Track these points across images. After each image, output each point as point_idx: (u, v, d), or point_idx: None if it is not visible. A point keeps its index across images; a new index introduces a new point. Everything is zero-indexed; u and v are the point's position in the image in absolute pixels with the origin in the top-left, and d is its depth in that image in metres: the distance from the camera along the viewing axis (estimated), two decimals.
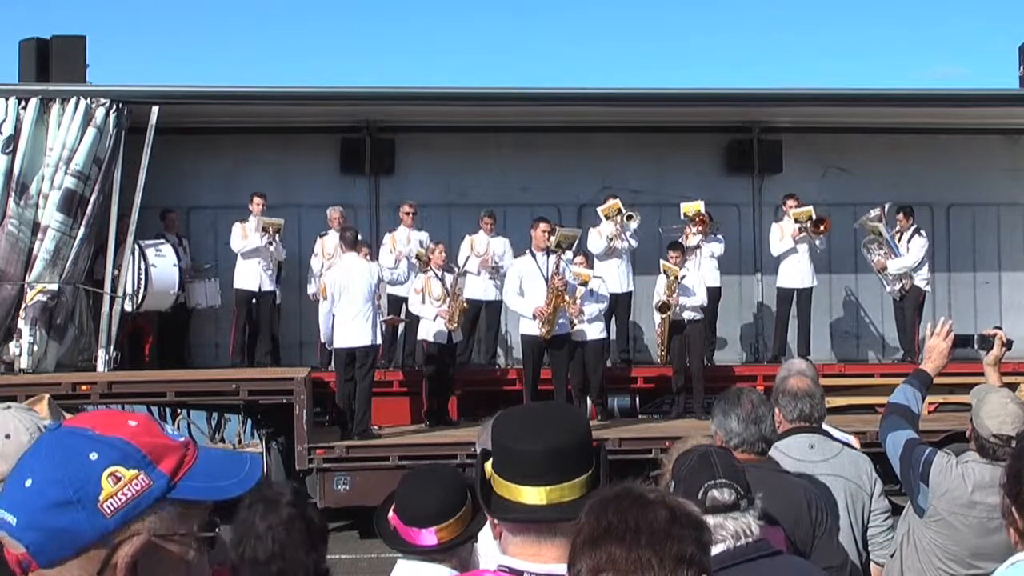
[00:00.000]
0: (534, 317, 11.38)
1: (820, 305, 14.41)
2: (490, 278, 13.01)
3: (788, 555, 3.10)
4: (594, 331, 12.10)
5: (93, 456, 1.48)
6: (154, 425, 1.56)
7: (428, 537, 3.11)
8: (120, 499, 1.48)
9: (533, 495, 2.18)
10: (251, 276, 13.00)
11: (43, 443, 1.51)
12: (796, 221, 13.33)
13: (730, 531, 2.88)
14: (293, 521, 3.25)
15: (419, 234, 13.11)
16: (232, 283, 13.32)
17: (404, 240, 12.99)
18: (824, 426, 4.68)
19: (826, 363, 13.67)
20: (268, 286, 13.13)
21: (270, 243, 12.96)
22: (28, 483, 1.46)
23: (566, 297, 11.46)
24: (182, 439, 1.57)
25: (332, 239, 12.96)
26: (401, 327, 13.11)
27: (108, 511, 1.47)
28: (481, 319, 13.16)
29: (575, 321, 11.78)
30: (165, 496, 1.51)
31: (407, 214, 13.14)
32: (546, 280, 11.39)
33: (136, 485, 1.49)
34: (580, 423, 2.35)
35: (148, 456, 1.51)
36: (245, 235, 12.97)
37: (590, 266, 12.87)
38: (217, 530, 1.59)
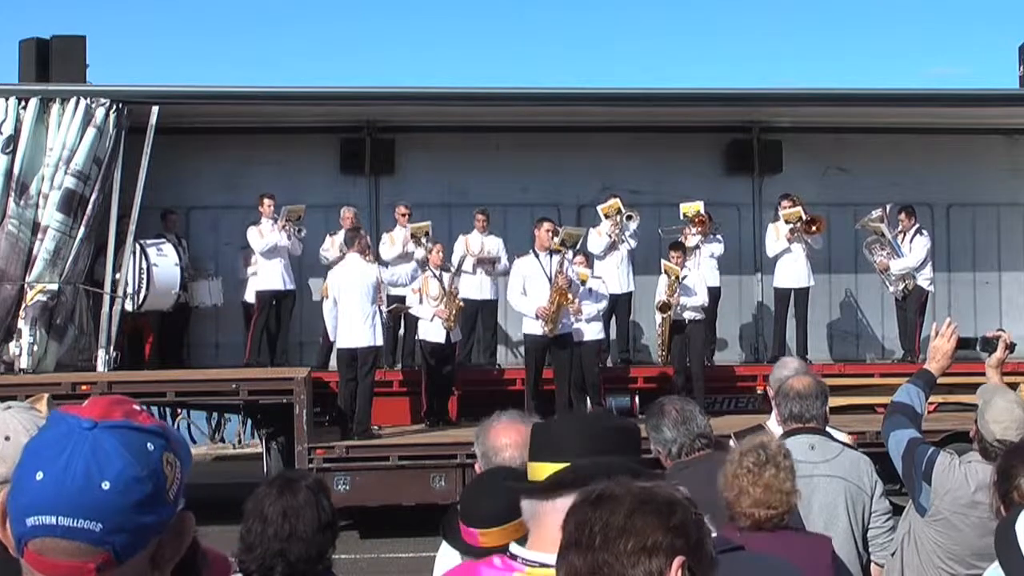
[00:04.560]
0: (537, 317, 11.39)
1: (819, 305, 14.40)
2: (487, 274, 12.99)
3: (749, 551, 3.09)
4: (591, 331, 12.11)
5: (150, 447, 1.47)
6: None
7: (473, 538, 3.10)
8: (176, 484, 1.49)
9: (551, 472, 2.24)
10: (274, 276, 12.93)
11: (99, 442, 1.45)
12: (787, 222, 13.34)
13: None
14: (307, 504, 3.30)
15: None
16: (235, 283, 13.32)
17: (401, 240, 13.00)
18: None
19: (825, 363, 13.67)
20: (290, 285, 13.12)
21: (299, 231, 12.94)
22: (105, 486, 1.42)
23: (570, 295, 11.47)
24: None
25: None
26: (402, 331, 13.10)
27: (171, 498, 1.48)
28: (478, 319, 13.14)
29: (573, 319, 11.79)
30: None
31: (403, 215, 13.15)
32: (549, 279, 11.41)
33: (178, 467, 1.51)
34: (633, 431, 2.40)
35: (168, 436, 1.52)
36: (262, 234, 12.89)
37: (590, 267, 12.88)
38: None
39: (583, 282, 12.02)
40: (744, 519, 3.52)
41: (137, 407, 1.53)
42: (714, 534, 2.93)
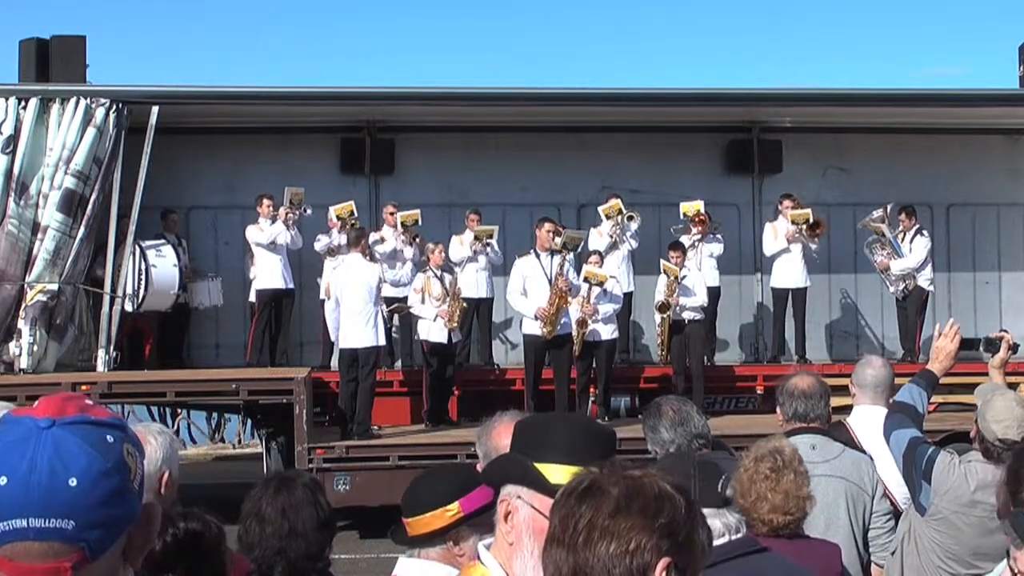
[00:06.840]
0: (536, 318, 11.38)
1: (819, 305, 14.41)
2: (483, 269, 12.92)
3: (774, 553, 3.09)
4: (607, 331, 12.10)
5: (110, 439, 1.46)
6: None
7: (406, 528, 3.12)
8: (139, 475, 1.48)
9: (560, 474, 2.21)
10: (274, 276, 12.87)
11: (60, 439, 1.43)
12: (793, 223, 13.34)
13: (716, 528, 2.88)
14: (305, 502, 3.31)
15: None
16: (240, 283, 13.31)
17: (392, 236, 12.97)
18: None
19: (825, 363, 13.66)
20: (290, 284, 13.06)
21: (304, 210, 12.83)
22: (73, 482, 1.40)
23: (569, 298, 11.46)
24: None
25: (338, 238, 12.94)
26: (396, 331, 13.08)
27: (136, 489, 1.47)
28: (475, 318, 13.09)
29: (589, 321, 11.76)
30: None
31: (391, 214, 13.13)
32: (549, 280, 11.40)
33: (138, 457, 1.50)
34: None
35: (125, 427, 1.51)
36: (262, 229, 12.78)
37: (601, 266, 12.85)
38: None
39: (601, 283, 11.98)
40: (761, 525, 3.51)
41: (90, 401, 1.51)
42: (741, 534, 2.95)
